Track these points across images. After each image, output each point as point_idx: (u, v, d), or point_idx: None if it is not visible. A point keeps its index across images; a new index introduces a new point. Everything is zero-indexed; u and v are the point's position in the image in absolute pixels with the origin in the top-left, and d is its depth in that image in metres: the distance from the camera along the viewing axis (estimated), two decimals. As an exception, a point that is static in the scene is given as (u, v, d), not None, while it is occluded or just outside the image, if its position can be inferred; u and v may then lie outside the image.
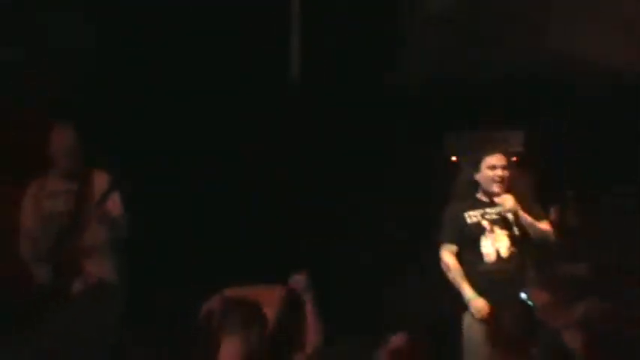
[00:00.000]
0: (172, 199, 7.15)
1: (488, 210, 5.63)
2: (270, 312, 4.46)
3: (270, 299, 4.55)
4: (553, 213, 7.39)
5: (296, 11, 7.64)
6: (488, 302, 5.42)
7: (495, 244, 5.55)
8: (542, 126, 7.52)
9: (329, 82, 7.72)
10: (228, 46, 7.61)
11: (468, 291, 5.48)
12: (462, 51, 7.57)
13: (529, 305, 5.08)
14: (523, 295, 5.32)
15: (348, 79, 7.72)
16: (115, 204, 5.67)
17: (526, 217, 5.56)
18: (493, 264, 5.54)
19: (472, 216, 5.64)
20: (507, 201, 5.55)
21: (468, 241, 5.61)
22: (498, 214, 5.60)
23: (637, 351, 4.01)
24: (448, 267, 5.61)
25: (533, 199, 6.46)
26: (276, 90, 7.72)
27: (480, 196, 5.71)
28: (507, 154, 5.84)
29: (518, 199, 5.60)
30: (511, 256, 5.55)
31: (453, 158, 7.58)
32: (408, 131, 7.57)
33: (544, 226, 5.68)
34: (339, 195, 7.61)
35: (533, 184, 7.32)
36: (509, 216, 5.57)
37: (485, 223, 5.60)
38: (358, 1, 7.64)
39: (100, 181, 5.71)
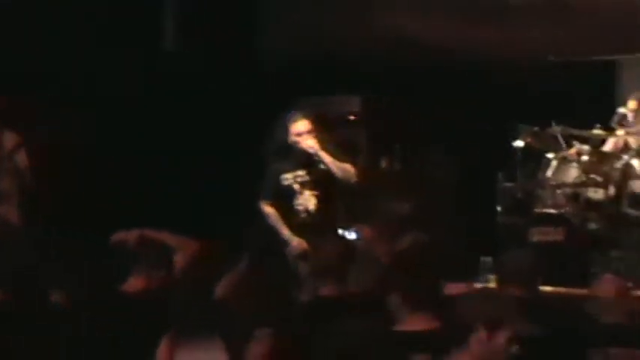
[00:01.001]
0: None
1: (299, 173, 6.51)
2: (181, 259, 4.70)
3: (184, 248, 4.76)
4: (384, 161, 8.70)
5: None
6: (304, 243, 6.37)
7: (305, 203, 6.52)
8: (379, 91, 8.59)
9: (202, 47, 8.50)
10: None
11: (286, 233, 6.48)
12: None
13: (347, 240, 6.15)
14: (352, 233, 6.43)
15: (219, 46, 8.51)
16: (22, 157, 6.49)
17: (326, 156, 6.44)
18: (304, 219, 6.52)
19: (286, 179, 6.52)
20: (309, 142, 6.40)
21: (283, 199, 6.55)
22: (308, 175, 6.50)
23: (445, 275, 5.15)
24: (269, 216, 6.57)
25: (367, 149, 7.63)
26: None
27: (294, 158, 6.54)
28: (315, 119, 6.55)
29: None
30: (318, 211, 6.50)
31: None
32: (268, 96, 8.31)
33: (345, 165, 6.54)
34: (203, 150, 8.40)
35: (368, 138, 8.54)
36: (315, 177, 6.49)
37: (296, 187, 6.52)
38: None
39: (9, 136, 6.49)
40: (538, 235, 7.38)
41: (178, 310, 4.54)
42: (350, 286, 4.64)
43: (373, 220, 6.89)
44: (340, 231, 6.34)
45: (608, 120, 7.83)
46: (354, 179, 6.57)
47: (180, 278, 4.63)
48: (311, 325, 3.88)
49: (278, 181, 6.54)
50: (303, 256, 6.23)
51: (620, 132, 7.81)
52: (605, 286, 4.99)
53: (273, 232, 6.54)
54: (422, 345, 3.58)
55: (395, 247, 5.05)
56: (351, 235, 6.24)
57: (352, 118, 8.58)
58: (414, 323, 3.71)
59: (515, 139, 7.90)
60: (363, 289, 4.66)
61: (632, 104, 7.82)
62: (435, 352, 3.52)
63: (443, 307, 3.78)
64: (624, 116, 7.80)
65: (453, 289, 4.62)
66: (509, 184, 7.97)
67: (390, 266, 4.07)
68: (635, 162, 7.55)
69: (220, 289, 4.38)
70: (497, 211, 7.88)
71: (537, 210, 7.84)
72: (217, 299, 4.30)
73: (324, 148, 6.46)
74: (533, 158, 8.04)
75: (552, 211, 7.74)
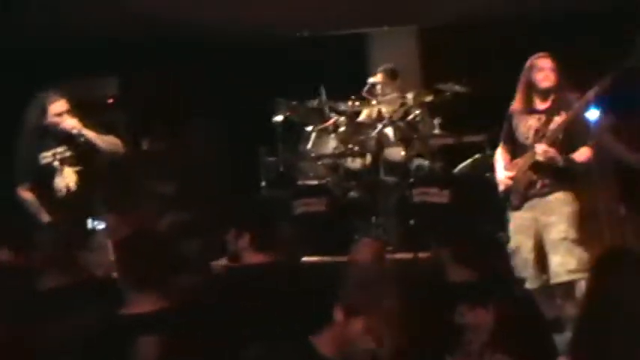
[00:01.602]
0: None
1: (59, 149, 6.22)
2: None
3: None
4: (145, 143, 8.64)
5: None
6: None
7: (65, 181, 6.22)
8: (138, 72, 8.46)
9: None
10: None
11: (43, 217, 6.10)
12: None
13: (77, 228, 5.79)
14: (100, 223, 6.27)
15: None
16: None
17: (89, 132, 6.19)
18: (63, 198, 6.20)
19: (45, 157, 6.21)
20: (70, 122, 6.12)
21: (43, 179, 6.22)
22: (68, 150, 6.22)
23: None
24: (26, 201, 6.18)
25: (127, 132, 7.53)
26: None
27: (52, 138, 6.20)
28: (73, 101, 6.28)
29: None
30: (79, 189, 6.23)
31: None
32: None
33: (110, 138, 6.33)
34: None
35: (127, 120, 8.45)
36: (76, 152, 6.22)
37: (56, 164, 6.22)
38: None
39: None
40: (301, 207, 7.51)
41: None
42: (81, 273, 4.52)
43: (135, 202, 6.77)
44: (91, 219, 6.13)
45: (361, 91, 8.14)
46: (121, 151, 6.38)
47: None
48: (40, 317, 3.82)
49: (35, 161, 6.24)
50: None
51: (373, 102, 8.11)
52: (363, 250, 5.19)
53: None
54: (150, 326, 3.60)
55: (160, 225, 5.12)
56: (100, 223, 6.06)
57: (110, 101, 8.47)
58: (141, 305, 3.73)
59: (274, 113, 8.05)
60: (95, 275, 4.65)
61: (379, 76, 8.15)
62: (164, 332, 3.55)
63: (174, 287, 3.81)
64: (374, 85, 8.12)
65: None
66: (271, 159, 8.11)
67: (119, 250, 4.05)
68: (388, 130, 7.84)
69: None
70: (261, 185, 8.01)
71: (300, 182, 8.02)
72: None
73: (86, 126, 6.25)
74: (294, 131, 8.22)
75: (314, 182, 7.93)
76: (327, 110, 8.18)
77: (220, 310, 3.99)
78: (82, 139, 6.22)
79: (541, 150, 5.67)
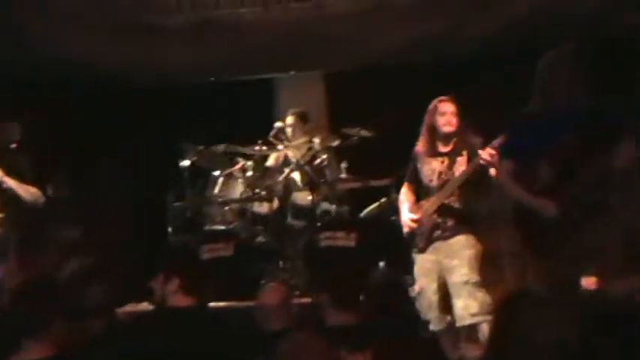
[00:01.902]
0: None
1: None
2: None
3: None
4: (50, 188, 8.47)
5: None
6: None
7: None
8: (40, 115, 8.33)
9: None
10: None
11: None
12: None
13: None
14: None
15: None
16: None
17: (10, 181, 6.29)
18: None
19: None
20: None
21: None
22: None
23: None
24: None
25: (32, 177, 7.43)
26: None
27: None
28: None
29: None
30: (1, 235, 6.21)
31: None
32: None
33: (30, 187, 6.42)
34: None
35: (31, 165, 8.28)
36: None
37: None
38: None
39: None
40: (208, 252, 7.45)
41: None
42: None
43: (37, 248, 6.66)
44: None
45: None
46: (41, 201, 6.43)
47: None
48: None
49: None
50: None
51: (280, 147, 8.13)
52: (269, 294, 5.18)
53: None
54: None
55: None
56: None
57: (14, 145, 8.30)
58: (34, 352, 3.69)
59: (181, 158, 8.00)
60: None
61: (290, 120, 8.19)
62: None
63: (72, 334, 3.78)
64: (281, 130, 8.14)
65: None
66: (178, 204, 8.04)
67: (13, 296, 3.98)
68: (295, 175, 7.87)
69: None
70: (168, 231, 7.93)
71: (207, 227, 7.96)
72: None
73: (6, 173, 6.29)
74: (201, 176, 8.17)
75: (221, 227, 7.89)
76: (234, 155, 8.17)
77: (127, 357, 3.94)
78: (4, 187, 6.24)
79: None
